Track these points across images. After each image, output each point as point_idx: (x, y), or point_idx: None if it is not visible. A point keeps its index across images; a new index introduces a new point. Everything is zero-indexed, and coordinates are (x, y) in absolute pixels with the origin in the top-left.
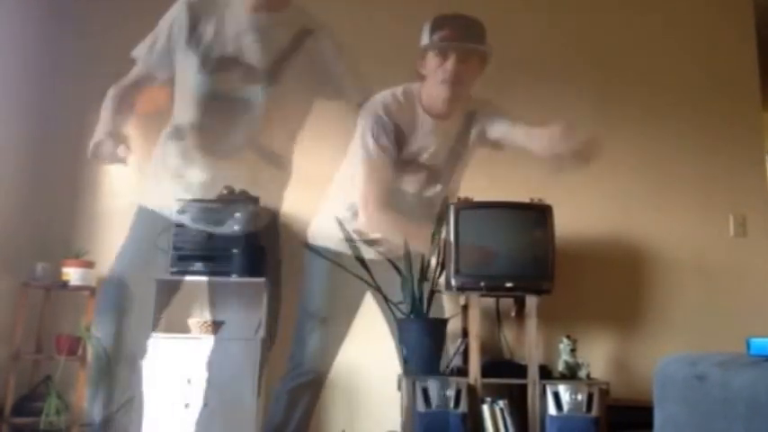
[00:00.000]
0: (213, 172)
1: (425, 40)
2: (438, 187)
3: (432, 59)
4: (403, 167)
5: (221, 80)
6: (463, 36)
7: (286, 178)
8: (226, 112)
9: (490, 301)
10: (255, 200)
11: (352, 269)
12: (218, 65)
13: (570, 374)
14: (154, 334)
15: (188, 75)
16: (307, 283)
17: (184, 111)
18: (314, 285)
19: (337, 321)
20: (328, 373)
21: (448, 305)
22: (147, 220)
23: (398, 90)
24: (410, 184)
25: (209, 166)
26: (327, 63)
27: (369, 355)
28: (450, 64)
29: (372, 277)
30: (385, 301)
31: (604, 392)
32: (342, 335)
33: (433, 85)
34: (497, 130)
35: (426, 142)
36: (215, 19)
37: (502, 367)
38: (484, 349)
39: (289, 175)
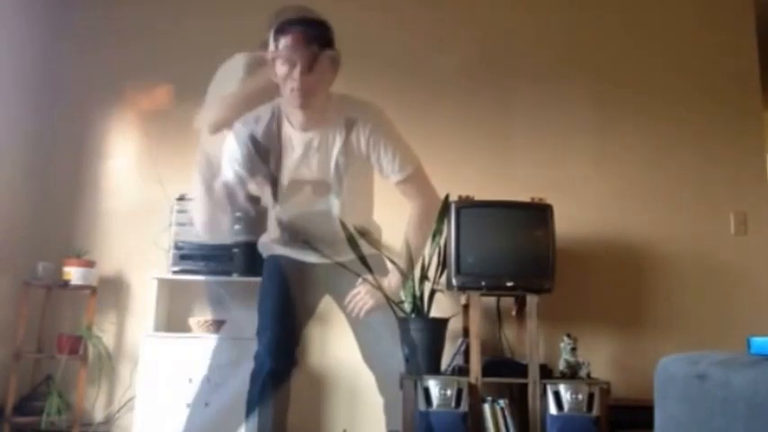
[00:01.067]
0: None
1: (271, 46)
2: (331, 200)
3: (280, 68)
4: (286, 188)
5: (295, 204)
6: (308, 40)
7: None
8: (306, 228)
9: (491, 300)
10: (257, 200)
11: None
12: (288, 191)
13: (571, 374)
14: (154, 333)
15: (266, 201)
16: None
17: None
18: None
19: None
20: (293, 361)
21: (448, 304)
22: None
23: (262, 109)
24: (296, 205)
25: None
26: (367, 151)
27: None
28: (296, 73)
29: (374, 276)
30: (386, 300)
31: (605, 392)
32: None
33: (287, 94)
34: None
35: (296, 156)
36: (275, 150)
37: (502, 366)
38: (485, 348)
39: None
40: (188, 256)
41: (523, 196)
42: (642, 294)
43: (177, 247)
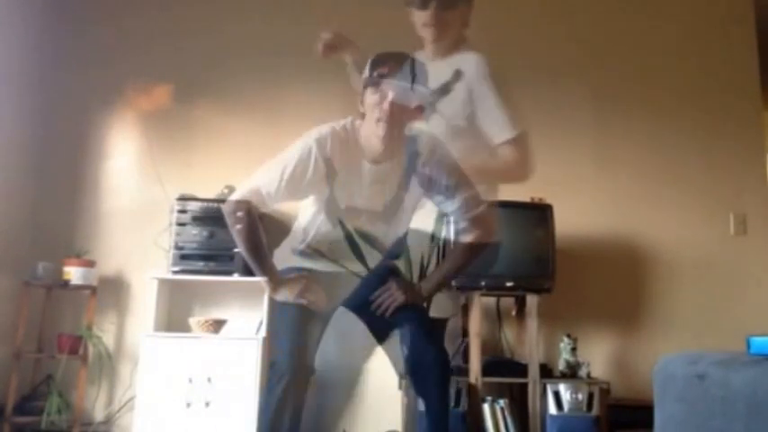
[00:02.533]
0: None
1: (366, 74)
2: (381, 227)
3: (370, 97)
4: (343, 212)
5: (348, 221)
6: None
7: None
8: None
9: (491, 300)
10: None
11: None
12: (342, 216)
13: (571, 373)
14: (154, 333)
15: (316, 216)
16: None
17: (306, 236)
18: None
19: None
20: (310, 370)
21: (447, 304)
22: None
23: (340, 124)
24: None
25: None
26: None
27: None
28: (386, 103)
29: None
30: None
31: (605, 391)
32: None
33: (370, 123)
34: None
35: (361, 187)
36: (344, 173)
37: (502, 366)
38: (484, 348)
39: None
40: (188, 255)
41: (523, 196)
42: (642, 294)
43: (177, 247)
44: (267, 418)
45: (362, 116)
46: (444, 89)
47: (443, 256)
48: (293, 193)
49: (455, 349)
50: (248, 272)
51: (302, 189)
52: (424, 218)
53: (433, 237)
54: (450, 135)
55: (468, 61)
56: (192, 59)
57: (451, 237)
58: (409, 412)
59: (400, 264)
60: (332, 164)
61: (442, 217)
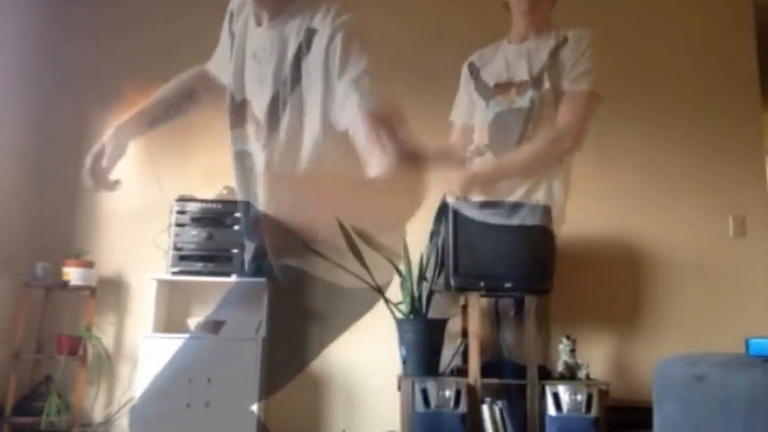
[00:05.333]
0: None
1: None
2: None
3: None
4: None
5: (237, 136)
6: None
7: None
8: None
9: (490, 300)
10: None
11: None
12: (233, 122)
13: (570, 375)
14: (153, 334)
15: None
16: None
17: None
18: None
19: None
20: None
21: (447, 305)
22: None
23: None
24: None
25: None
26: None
27: (368, 356)
28: None
29: (372, 277)
30: (385, 301)
31: (604, 393)
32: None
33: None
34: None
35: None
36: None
37: (501, 367)
38: (483, 349)
39: None
40: (187, 256)
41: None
42: (641, 296)
43: (176, 248)
44: None
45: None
46: (554, 53)
47: (443, 256)
48: None
49: (454, 350)
50: (247, 272)
51: None
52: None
53: (432, 237)
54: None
55: (576, 30)
56: (191, 59)
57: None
58: (408, 412)
59: (400, 265)
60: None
61: (441, 216)
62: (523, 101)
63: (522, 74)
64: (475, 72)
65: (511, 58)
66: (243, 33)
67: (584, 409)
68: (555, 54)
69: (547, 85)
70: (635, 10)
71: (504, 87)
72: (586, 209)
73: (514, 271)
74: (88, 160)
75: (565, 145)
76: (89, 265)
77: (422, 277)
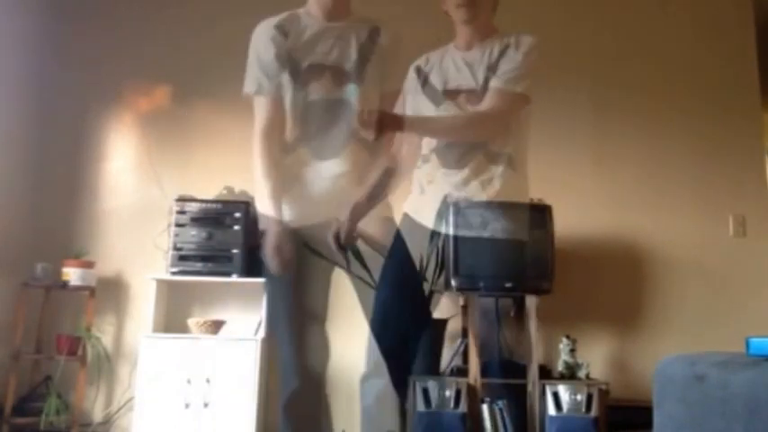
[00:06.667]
0: (327, 172)
1: None
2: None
3: None
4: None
5: (315, 89)
6: None
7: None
8: (325, 114)
9: (490, 300)
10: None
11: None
12: (307, 74)
13: (570, 374)
14: (153, 334)
15: (287, 92)
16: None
17: (292, 126)
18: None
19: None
20: (323, 376)
21: (447, 305)
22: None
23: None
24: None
25: (322, 167)
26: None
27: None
28: None
29: (372, 278)
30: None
31: (604, 392)
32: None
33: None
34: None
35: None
36: (295, 33)
37: (501, 367)
38: (483, 349)
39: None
40: (187, 256)
41: None
42: (641, 295)
43: (176, 248)
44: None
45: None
46: (496, 63)
47: (443, 256)
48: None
49: (455, 350)
50: (247, 272)
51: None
52: (425, 214)
53: (432, 236)
54: None
55: (518, 37)
56: (190, 59)
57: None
58: (408, 412)
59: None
60: (279, 31)
61: (441, 216)
62: (471, 109)
63: (469, 82)
64: (423, 76)
65: (458, 65)
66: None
67: (584, 409)
68: (497, 61)
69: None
70: (635, 10)
71: (453, 94)
72: (587, 209)
73: (514, 271)
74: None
75: (477, 130)
76: (89, 265)
77: (423, 278)
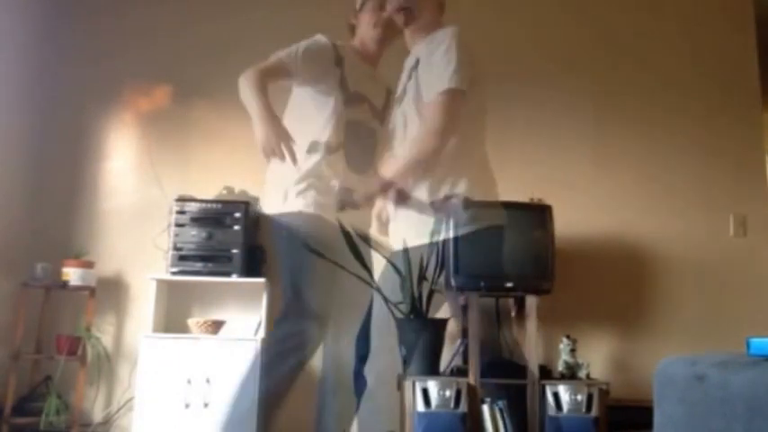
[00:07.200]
0: (353, 183)
1: None
2: (376, 123)
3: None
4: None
5: (355, 111)
6: None
7: None
8: (355, 136)
9: (490, 300)
10: (256, 199)
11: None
12: (352, 99)
13: (570, 375)
14: (153, 334)
15: (330, 99)
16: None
17: (323, 129)
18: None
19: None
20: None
21: (447, 305)
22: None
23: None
24: None
25: (350, 177)
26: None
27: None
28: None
29: (372, 277)
30: (384, 301)
31: (604, 393)
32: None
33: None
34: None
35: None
36: (348, 59)
37: (501, 367)
38: (483, 349)
39: None
40: (187, 256)
41: (522, 197)
42: (641, 295)
43: (176, 248)
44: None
45: (352, 28)
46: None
47: (443, 256)
48: (310, 68)
49: (455, 350)
50: (247, 272)
51: (316, 67)
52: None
53: (431, 237)
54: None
55: (444, 31)
56: (190, 59)
57: None
58: (408, 413)
59: (400, 264)
60: (338, 50)
61: (440, 218)
62: (375, 122)
63: (401, 86)
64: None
65: (404, 67)
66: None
67: (584, 409)
68: (419, 67)
69: (407, 97)
70: (635, 10)
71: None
72: (587, 208)
73: (515, 271)
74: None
75: (426, 146)
76: (88, 265)
77: (422, 277)
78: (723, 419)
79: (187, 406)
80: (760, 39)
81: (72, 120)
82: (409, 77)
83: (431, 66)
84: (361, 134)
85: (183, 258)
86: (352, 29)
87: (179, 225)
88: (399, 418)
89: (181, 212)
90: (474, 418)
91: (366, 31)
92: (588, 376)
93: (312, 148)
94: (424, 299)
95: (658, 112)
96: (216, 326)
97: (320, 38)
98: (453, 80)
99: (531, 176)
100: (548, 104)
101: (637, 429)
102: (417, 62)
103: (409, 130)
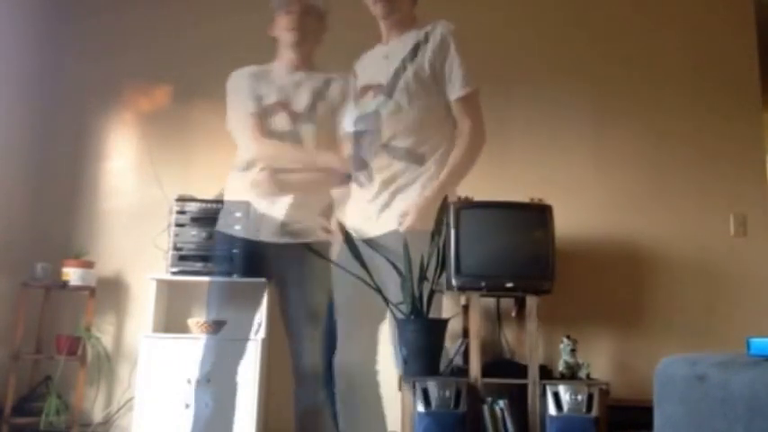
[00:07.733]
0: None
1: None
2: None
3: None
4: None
5: (274, 122)
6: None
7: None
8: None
9: (490, 300)
10: None
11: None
12: (270, 110)
13: (570, 375)
14: (153, 334)
15: (246, 118)
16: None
17: (246, 148)
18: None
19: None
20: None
21: (448, 305)
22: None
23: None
24: None
25: (279, 187)
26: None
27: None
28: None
29: (372, 278)
30: (385, 302)
31: (604, 393)
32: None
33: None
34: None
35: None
36: (265, 80)
37: (502, 367)
38: (484, 349)
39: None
40: (187, 256)
41: (523, 197)
42: (642, 295)
43: (176, 248)
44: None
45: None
46: (414, 52)
47: (443, 256)
48: (234, 99)
49: (455, 350)
50: (247, 272)
51: (237, 97)
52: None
53: (433, 237)
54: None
55: (434, 25)
56: (190, 59)
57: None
58: (409, 413)
59: (400, 264)
60: (258, 72)
61: (441, 218)
62: (373, 105)
63: (378, 77)
64: (355, 75)
65: (377, 60)
66: None
67: (584, 409)
68: (414, 53)
69: (402, 84)
70: (636, 10)
71: (364, 89)
72: (587, 209)
73: (515, 271)
74: None
75: (478, 142)
76: (88, 265)
77: (423, 277)
78: (723, 419)
79: (187, 406)
80: (760, 39)
81: (72, 120)
82: (404, 68)
83: (443, 71)
84: (286, 140)
85: (183, 258)
86: (275, 40)
87: (179, 225)
88: (400, 417)
89: (181, 212)
90: (474, 417)
91: (283, 37)
92: (588, 376)
93: (246, 167)
94: (425, 299)
95: (658, 112)
96: (216, 326)
97: (245, 69)
98: (469, 83)
99: (531, 177)
100: (548, 105)
101: (637, 429)
102: (414, 53)
103: (403, 119)
